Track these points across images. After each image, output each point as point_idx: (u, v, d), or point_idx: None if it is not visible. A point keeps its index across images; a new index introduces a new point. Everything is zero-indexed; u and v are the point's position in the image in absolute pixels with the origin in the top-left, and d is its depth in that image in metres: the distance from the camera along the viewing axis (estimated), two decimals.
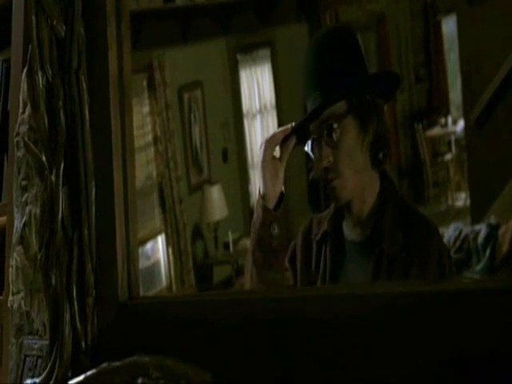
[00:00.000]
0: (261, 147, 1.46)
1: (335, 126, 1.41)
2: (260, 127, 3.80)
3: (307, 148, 1.45)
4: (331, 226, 1.46)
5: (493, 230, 1.99)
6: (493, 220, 2.02)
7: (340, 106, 1.42)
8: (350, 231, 1.46)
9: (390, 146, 1.46)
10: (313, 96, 1.44)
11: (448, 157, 3.25)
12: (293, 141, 1.45)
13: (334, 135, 1.41)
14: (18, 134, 1.46)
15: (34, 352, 1.42)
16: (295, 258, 1.49)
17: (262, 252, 1.45)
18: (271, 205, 1.44)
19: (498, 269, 1.93)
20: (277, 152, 1.46)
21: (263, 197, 1.44)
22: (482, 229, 2.02)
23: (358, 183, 1.42)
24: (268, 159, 1.44)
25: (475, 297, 1.03)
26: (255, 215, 1.46)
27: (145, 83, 3.61)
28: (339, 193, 1.42)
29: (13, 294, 1.49)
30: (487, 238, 1.99)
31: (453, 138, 3.18)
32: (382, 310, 1.09)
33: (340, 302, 1.15)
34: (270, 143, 1.45)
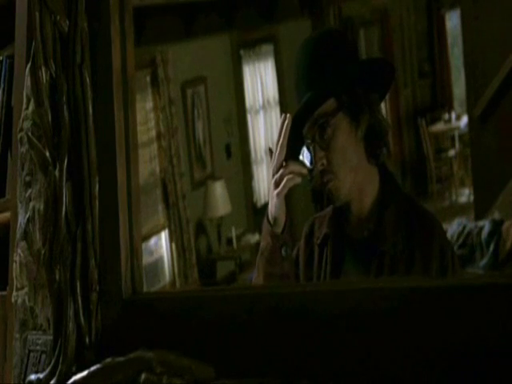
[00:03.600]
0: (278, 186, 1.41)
1: (325, 125, 1.40)
2: (263, 123, 3.80)
3: (302, 157, 1.43)
4: (331, 228, 1.45)
5: (496, 226, 1.99)
6: (496, 215, 2.02)
7: (330, 105, 1.41)
8: (350, 230, 1.45)
9: (386, 137, 1.44)
10: (304, 97, 1.44)
11: (451, 152, 3.25)
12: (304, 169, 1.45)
13: (326, 136, 1.41)
14: (21, 130, 1.46)
15: (38, 347, 1.42)
16: (298, 262, 1.48)
17: (273, 277, 1.44)
18: (279, 229, 1.43)
19: (501, 264, 1.93)
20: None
21: (272, 223, 1.42)
22: (486, 224, 2.01)
23: (355, 182, 1.41)
24: (285, 193, 1.42)
25: (478, 291, 1.03)
26: (263, 243, 1.44)
27: (148, 79, 3.60)
28: (337, 194, 1.42)
29: (17, 290, 1.49)
30: (491, 234, 1.99)
31: (456, 134, 3.18)
32: (385, 305, 1.09)
33: (342, 297, 1.15)
34: (291, 177, 1.41)
